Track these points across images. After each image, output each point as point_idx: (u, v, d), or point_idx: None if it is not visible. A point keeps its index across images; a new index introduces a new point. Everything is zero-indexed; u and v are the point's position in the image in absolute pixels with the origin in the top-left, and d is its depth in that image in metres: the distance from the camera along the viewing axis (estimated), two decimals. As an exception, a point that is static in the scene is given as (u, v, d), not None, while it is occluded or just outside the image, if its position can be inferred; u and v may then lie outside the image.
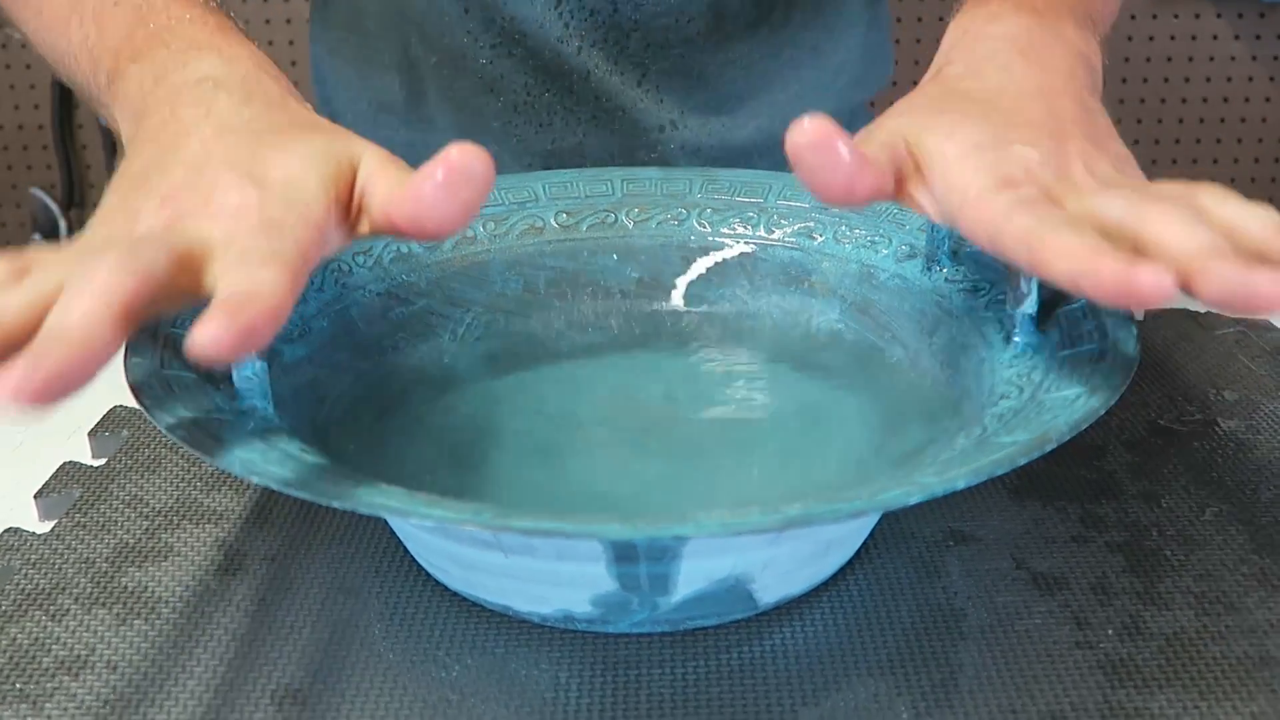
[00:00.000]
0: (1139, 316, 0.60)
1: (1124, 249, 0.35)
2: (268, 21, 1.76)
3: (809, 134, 0.38)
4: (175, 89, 0.43)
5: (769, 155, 0.74)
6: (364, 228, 0.40)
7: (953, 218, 0.40)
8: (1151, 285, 0.33)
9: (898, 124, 0.42)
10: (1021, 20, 0.47)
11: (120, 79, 0.46)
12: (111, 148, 1.84)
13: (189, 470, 0.49)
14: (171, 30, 0.47)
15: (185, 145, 0.40)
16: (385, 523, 0.46)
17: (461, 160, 0.37)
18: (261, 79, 0.44)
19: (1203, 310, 0.62)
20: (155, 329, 0.42)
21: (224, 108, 0.42)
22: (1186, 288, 0.34)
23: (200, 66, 0.44)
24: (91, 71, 0.50)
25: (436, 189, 0.37)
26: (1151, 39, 1.80)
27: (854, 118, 0.78)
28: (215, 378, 0.41)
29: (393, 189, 0.39)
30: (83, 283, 0.33)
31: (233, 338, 0.32)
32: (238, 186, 0.38)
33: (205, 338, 0.31)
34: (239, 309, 0.32)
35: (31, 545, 0.45)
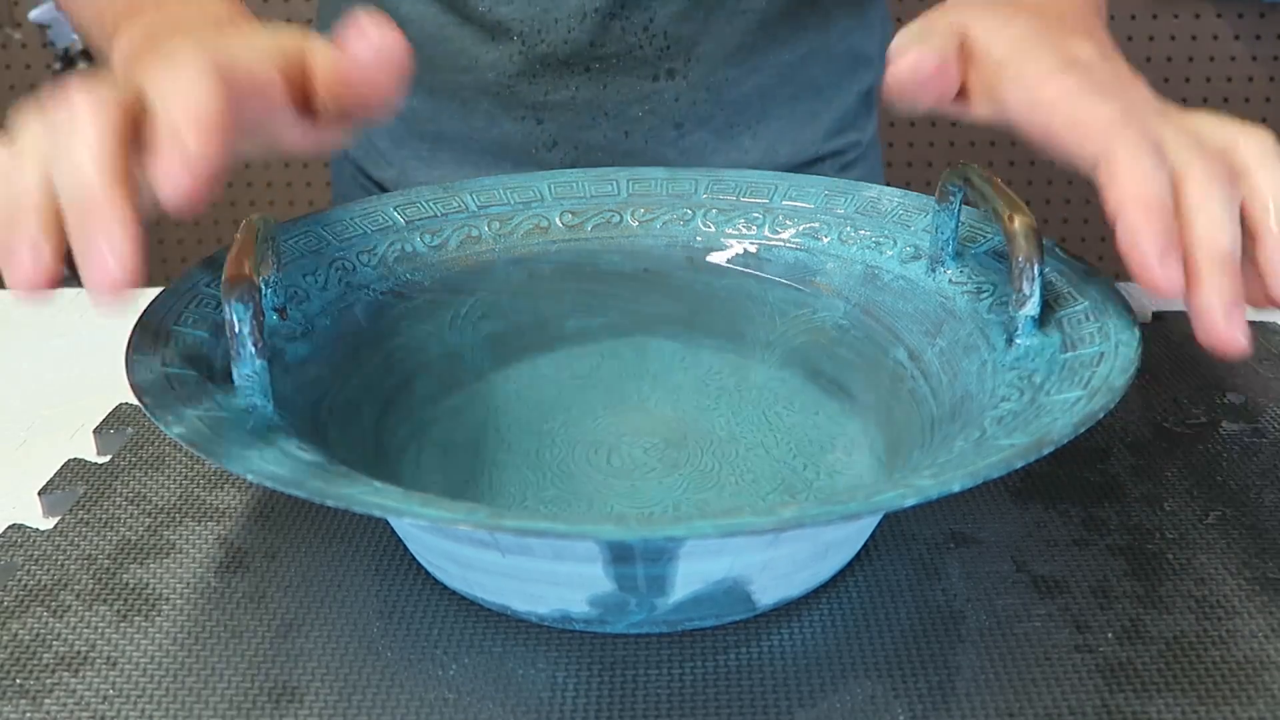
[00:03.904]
0: (1145, 319, 0.60)
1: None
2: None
3: (909, 70, 0.41)
4: (155, 28, 0.48)
5: (766, 116, 0.74)
6: (320, 111, 0.42)
7: (1003, 97, 0.41)
8: (1165, 283, 0.36)
9: (952, 18, 0.43)
10: None
11: (117, 35, 0.50)
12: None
13: (192, 468, 0.50)
14: None
15: (155, 46, 0.44)
16: (385, 521, 0.46)
17: (371, 25, 0.40)
18: (235, 17, 0.49)
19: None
20: (157, 327, 0.42)
21: (195, 27, 0.47)
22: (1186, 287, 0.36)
23: (179, 11, 0.49)
24: (100, 35, 0.55)
25: (363, 46, 0.40)
26: (1151, 39, 1.80)
27: (857, 98, 0.78)
28: (216, 376, 0.41)
29: (332, 56, 0.41)
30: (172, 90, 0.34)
31: (188, 174, 0.32)
32: (194, 48, 0.39)
33: (167, 187, 0.32)
34: (179, 139, 0.33)
35: (35, 542, 0.45)
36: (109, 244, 0.31)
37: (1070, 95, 0.38)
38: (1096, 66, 0.41)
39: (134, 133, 0.35)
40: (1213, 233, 0.37)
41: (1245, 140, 0.39)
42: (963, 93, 0.43)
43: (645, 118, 0.72)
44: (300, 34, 0.43)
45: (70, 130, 0.33)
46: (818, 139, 0.76)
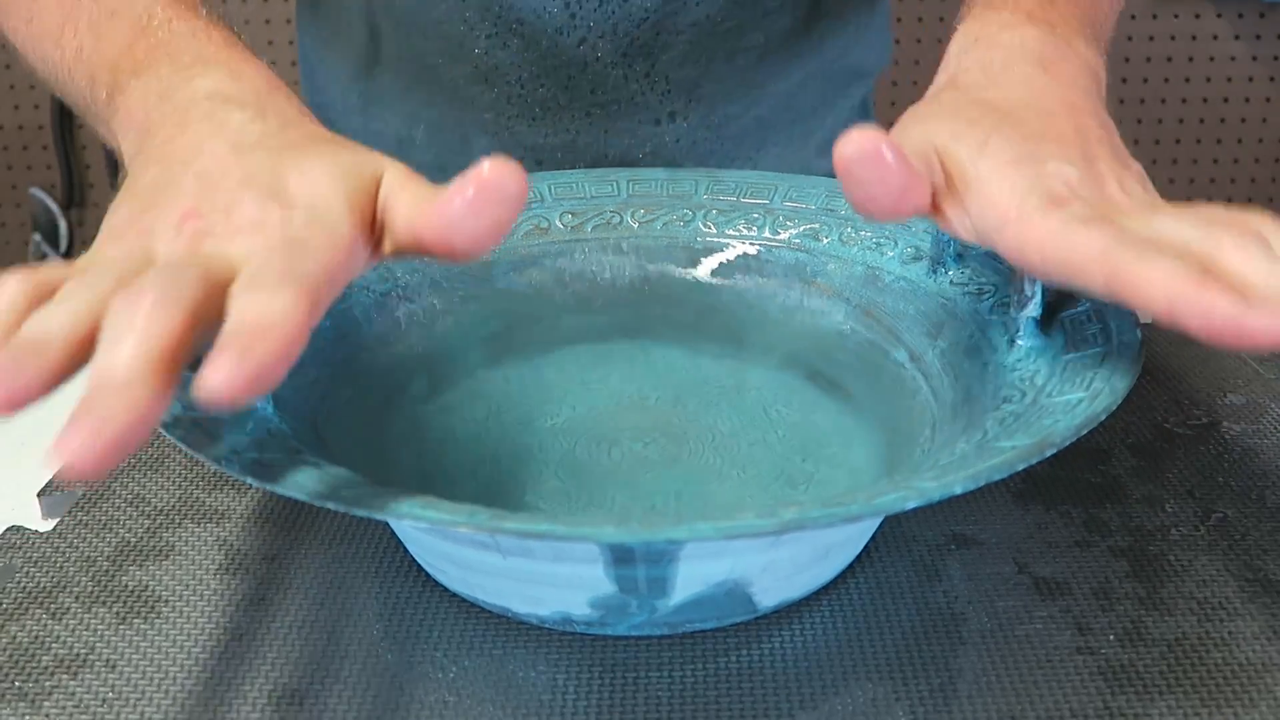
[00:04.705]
0: (1146, 320, 0.60)
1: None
2: (268, 22, 1.77)
3: (858, 145, 0.37)
4: (183, 105, 0.41)
5: (764, 145, 0.74)
6: (387, 247, 0.37)
7: (989, 237, 0.38)
8: (1265, 331, 0.32)
9: (924, 131, 0.41)
10: (1035, 31, 0.46)
11: (121, 94, 0.44)
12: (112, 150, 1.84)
13: (191, 469, 0.50)
14: (175, 44, 0.44)
15: (197, 160, 0.38)
16: (385, 523, 0.46)
17: (495, 176, 0.35)
18: (274, 96, 0.42)
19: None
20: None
21: (236, 124, 0.40)
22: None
23: (208, 82, 0.42)
24: (88, 85, 0.48)
25: (467, 205, 0.35)
26: (1151, 39, 1.80)
27: (852, 108, 0.78)
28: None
29: (418, 204, 0.36)
30: (123, 324, 0.31)
31: (244, 381, 0.29)
32: (258, 203, 0.36)
33: (215, 382, 0.29)
34: (249, 346, 0.30)
35: (34, 544, 0.45)
36: (99, 427, 0.28)
37: (1056, 236, 0.36)
38: (1080, 188, 0.38)
39: (202, 317, 0.32)
40: (1268, 269, 0.34)
41: (1254, 215, 0.36)
42: (938, 210, 0.40)
43: (646, 160, 0.72)
44: (368, 161, 0.38)
45: (128, 320, 0.31)
46: (812, 156, 0.76)
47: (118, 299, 0.31)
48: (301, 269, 0.33)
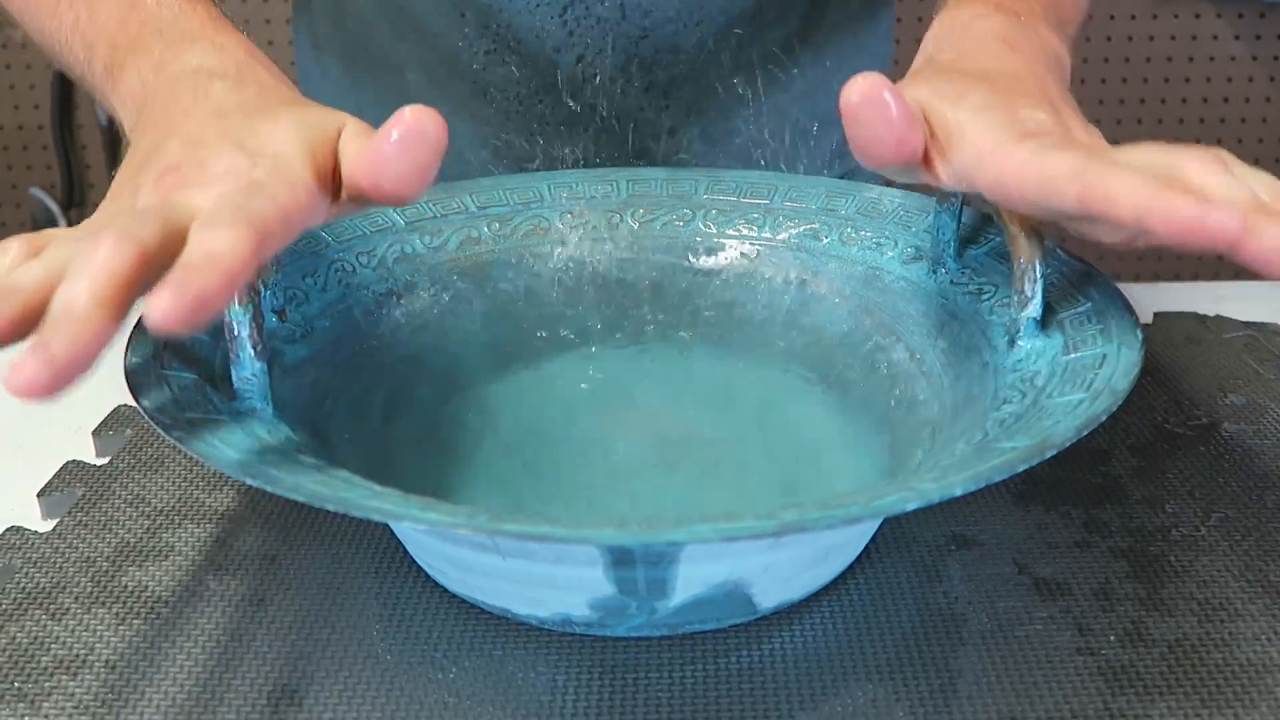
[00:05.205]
0: (1146, 320, 0.60)
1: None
2: (268, 21, 1.77)
3: (862, 89, 0.40)
4: (173, 79, 0.45)
5: (763, 160, 0.73)
6: (343, 196, 0.41)
7: (970, 175, 0.41)
8: (1222, 227, 0.34)
9: (908, 94, 0.43)
10: (1003, 18, 0.49)
11: (120, 70, 0.48)
12: (112, 147, 1.84)
13: (191, 470, 0.50)
14: (163, 19, 0.48)
15: (183, 125, 0.42)
16: (385, 525, 0.46)
17: (415, 119, 0.38)
18: (254, 66, 0.46)
19: (1211, 314, 0.61)
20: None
21: (219, 92, 0.44)
22: (1231, 245, 0.34)
23: (194, 57, 0.46)
24: (86, 58, 0.51)
25: (392, 147, 0.38)
26: (1151, 39, 1.79)
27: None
28: (215, 379, 0.41)
29: (359, 150, 0.40)
30: (82, 262, 0.33)
31: (182, 309, 0.32)
32: (230, 155, 0.39)
33: (156, 312, 0.31)
34: (187, 279, 0.32)
35: (33, 544, 0.45)
36: (58, 350, 0.31)
37: (1030, 162, 0.39)
38: (1050, 128, 0.41)
39: (157, 256, 0.35)
40: (1229, 183, 0.37)
41: (1211, 149, 0.39)
42: (927, 162, 0.43)
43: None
44: (331, 117, 0.42)
45: (86, 260, 0.34)
46: (811, 171, 0.76)
47: (82, 243, 0.34)
48: (253, 208, 0.36)
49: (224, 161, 0.39)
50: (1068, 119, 0.43)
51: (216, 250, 0.33)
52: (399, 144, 0.38)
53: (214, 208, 0.36)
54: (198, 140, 0.41)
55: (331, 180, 0.41)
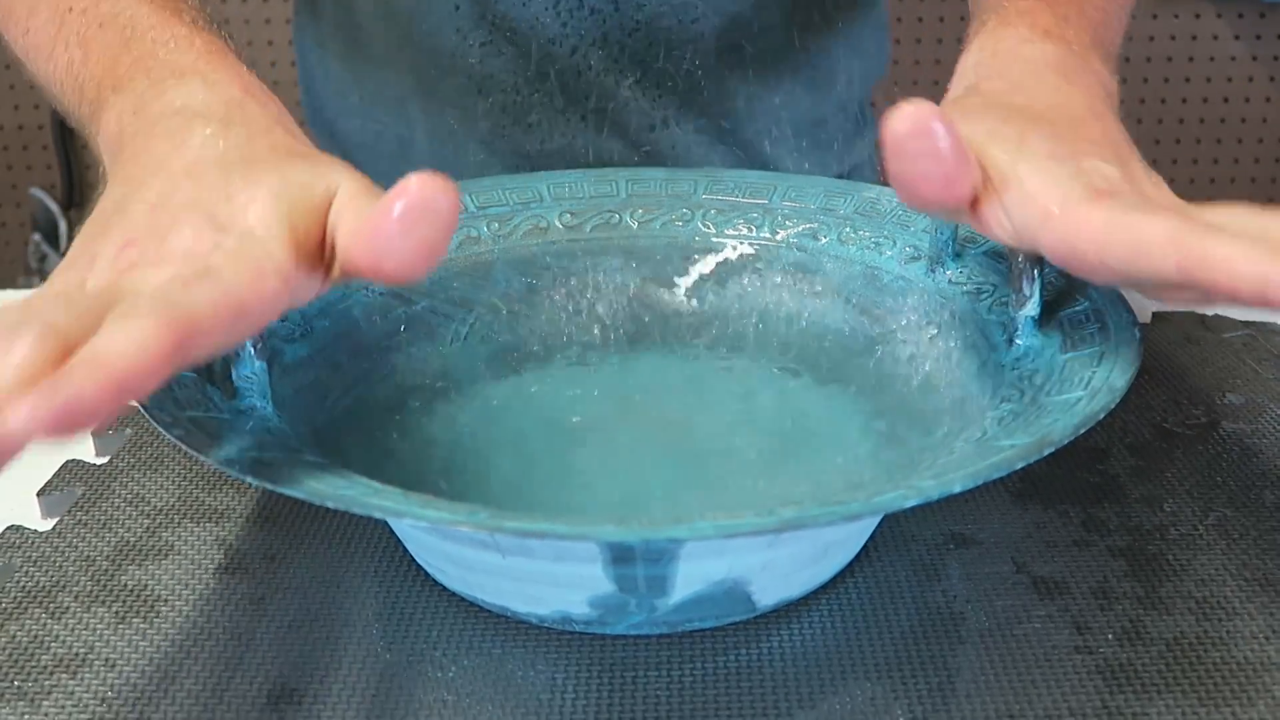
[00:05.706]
0: (1145, 319, 0.60)
1: None
2: (268, 21, 1.76)
3: (911, 119, 0.35)
4: (151, 120, 0.41)
5: (760, 153, 0.74)
6: (336, 271, 0.36)
7: (1032, 233, 0.37)
8: None
9: (963, 130, 0.39)
10: (1054, 47, 0.45)
11: (102, 110, 0.44)
12: (110, 155, 1.84)
13: (191, 469, 0.50)
14: (155, 55, 0.44)
15: (150, 184, 0.38)
16: (384, 522, 0.46)
17: (421, 193, 0.33)
18: (246, 104, 0.41)
19: (1210, 314, 0.61)
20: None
21: (198, 140, 0.39)
22: None
23: (179, 95, 0.42)
24: (77, 100, 0.48)
25: (394, 225, 0.34)
26: (1151, 39, 1.80)
27: (848, 118, 0.78)
28: (215, 377, 0.41)
29: (356, 223, 0.35)
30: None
31: (48, 418, 0.29)
32: (194, 229, 0.35)
33: (13, 423, 0.29)
34: (60, 383, 0.29)
35: (33, 543, 0.45)
36: None
37: (1114, 225, 0.35)
38: (1119, 184, 0.37)
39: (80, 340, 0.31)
40: None
41: None
42: (974, 207, 0.39)
43: (642, 163, 0.72)
44: (322, 176, 0.37)
45: (8, 349, 0.31)
46: (807, 164, 0.76)
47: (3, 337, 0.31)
48: (187, 300, 0.32)
49: (184, 238, 0.35)
50: (1133, 169, 0.39)
51: (111, 349, 0.30)
52: (403, 220, 0.33)
53: (139, 298, 0.32)
54: (163, 204, 0.37)
55: (319, 253, 0.36)
